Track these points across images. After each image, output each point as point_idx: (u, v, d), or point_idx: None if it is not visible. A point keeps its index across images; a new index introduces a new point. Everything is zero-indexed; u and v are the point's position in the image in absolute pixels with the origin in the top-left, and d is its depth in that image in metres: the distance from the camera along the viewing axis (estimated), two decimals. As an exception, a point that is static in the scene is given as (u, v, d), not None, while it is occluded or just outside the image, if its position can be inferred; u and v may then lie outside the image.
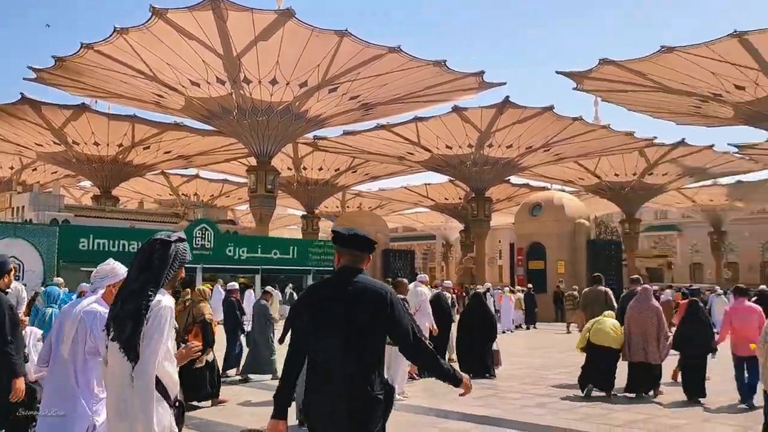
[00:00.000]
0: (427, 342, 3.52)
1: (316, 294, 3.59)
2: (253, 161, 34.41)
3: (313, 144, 39.75)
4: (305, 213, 49.62)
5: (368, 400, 3.30)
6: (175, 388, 3.32)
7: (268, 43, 26.02)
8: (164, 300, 3.27)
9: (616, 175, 42.96)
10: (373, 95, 31.17)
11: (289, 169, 43.97)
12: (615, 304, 13.02)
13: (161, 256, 3.33)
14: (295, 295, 28.52)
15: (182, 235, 3.50)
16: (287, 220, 67.07)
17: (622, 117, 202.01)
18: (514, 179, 46.59)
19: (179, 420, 3.41)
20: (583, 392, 10.48)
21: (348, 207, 59.27)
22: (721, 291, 25.78)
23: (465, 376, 3.60)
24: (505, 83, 32.05)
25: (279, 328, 13.95)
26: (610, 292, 13.38)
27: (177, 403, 3.37)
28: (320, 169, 45.33)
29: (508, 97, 31.30)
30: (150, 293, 3.22)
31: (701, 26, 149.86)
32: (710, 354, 10.61)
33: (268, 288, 13.35)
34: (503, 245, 60.34)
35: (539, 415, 8.87)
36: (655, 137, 36.23)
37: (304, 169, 45.29)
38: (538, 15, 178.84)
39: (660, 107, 32.53)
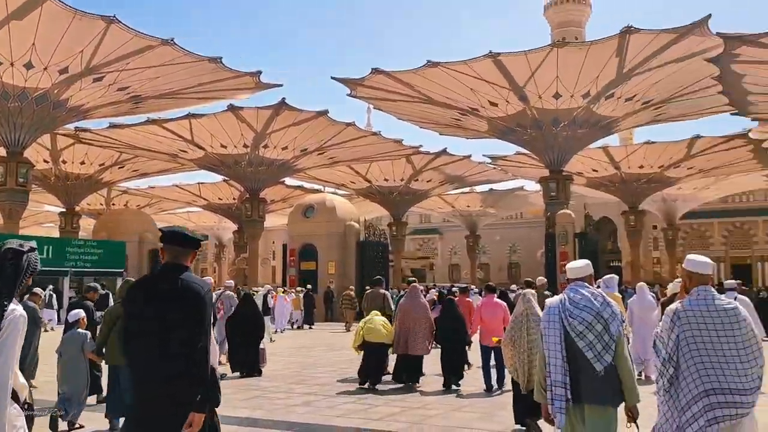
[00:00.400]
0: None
1: (132, 293, 3.67)
2: (2, 152, 30.99)
3: (74, 136, 36.76)
4: (64, 210, 45.73)
5: (187, 395, 3.32)
6: (24, 391, 3.37)
7: (23, 22, 23.60)
8: (18, 309, 3.25)
9: (386, 180, 45.09)
10: (143, 88, 29.61)
11: (45, 161, 40.26)
12: (392, 306, 13.86)
13: (14, 266, 3.28)
14: (54, 297, 26.27)
15: (33, 244, 3.43)
16: (43, 217, 61.42)
17: (392, 125, 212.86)
18: (289, 181, 46.90)
19: (29, 422, 3.52)
20: (365, 386, 11.16)
21: (114, 204, 55.65)
22: (477, 289, 28.21)
23: (203, 414, 3.48)
24: (281, 85, 32.10)
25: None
26: (389, 295, 14.11)
27: (26, 405, 3.44)
28: (82, 163, 42.01)
29: (284, 99, 31.46)
30: (4, 303, 3.18)
31: (462, 44, 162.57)
32: (467, 346, 11.87)
33: (36, 289, 12.22)
34: (277, 246, 60.57)
35: (302, 413, 9.03)
36: (421, 145, 38.61)
37: (64, 162, 41.67)
38: (318, 22, 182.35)
39: (426, 117, 34.72)
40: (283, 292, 27.70)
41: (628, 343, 9.41)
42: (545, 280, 16.60)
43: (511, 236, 64.23)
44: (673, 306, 4.46)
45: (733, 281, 14.38)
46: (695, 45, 24.91)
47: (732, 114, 31.13)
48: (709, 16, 23.46)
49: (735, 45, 23.66)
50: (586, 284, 4.67)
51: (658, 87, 28.49)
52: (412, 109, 33.54)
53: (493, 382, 10.88)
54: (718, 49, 24.19)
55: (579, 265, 4.80)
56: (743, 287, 22.45)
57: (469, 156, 41.06)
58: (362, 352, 11.57)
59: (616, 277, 11.80)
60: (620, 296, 11.69)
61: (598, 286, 9.51)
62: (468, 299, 14.69)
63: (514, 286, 21.27)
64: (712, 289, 4.43)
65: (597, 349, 4.37)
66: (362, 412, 9.12)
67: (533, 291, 9.28)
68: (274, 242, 65.88)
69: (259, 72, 29.68)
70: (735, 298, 10.28)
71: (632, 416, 4.49)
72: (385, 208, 48.63)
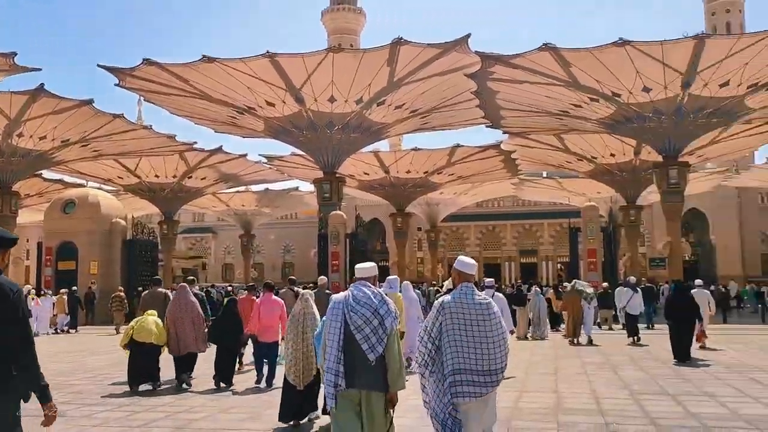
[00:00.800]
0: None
1: None
2: None
3: None
4: None
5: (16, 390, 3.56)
6: None
7: None
8: None
9: (157, 176, 43.01)
10: None
11: None
12: None
13: None
14: None
15: None
16: None
17: (166, 119, 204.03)
18: (47, 174, 42.97)
19: None
20: (131, 389, 10.84)
21: None
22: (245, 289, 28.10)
23: (54, 406, 3.80)
24: (40, 69, 29.16)
25: None
26: (170, 293, 13.70)
27: None
28: None
29: (43, 84, 28.77)
30: None
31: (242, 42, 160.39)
32: (243, 346, 12.11)
33: None
34: (31, 244, 55.34)
35: (54, 425, 8.40)
36: (196, 142, 37.40)
37: None
38: (89, 8, 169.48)
39: (201, 114, 33.70)
40: (38, 294, 25.47)
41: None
42: (326, 279, 17.24)
43: (285, 236, 64.78)
44: (441, 298, 5.35)
45: (491, 280, 16.15)
46: (457, 60, 26.98)
47: (487, 126, 34.25)
48: (469, 35, 25.56)
49: (490, 63, 26.08)
50: (369, 284, 5.25)
51: (424, 97, 30.41)
52: (187, 104, 32.43)
53: (264, 380, 11.13)
54: (477, 66, 26.51)
55: (366, 267, 5.43)
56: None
57: (245, 155, 40.70)
58: (130, 352, 11.17)
59: (398, 278, 12.61)
60: (401, 295, 12.42)
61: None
62: (253, 297, 14.78)
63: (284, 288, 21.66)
64: (473, 287, 5.33)
65: (372, 341, 4.92)
66: (122, 420, 8.69)
67: (311, 291, 9.59)
68: (28, 240, 60.04)
69: (14, 53, 26.88)
70: (492, 295, 12.05)
71: (392, 402, 5.01)
72: (155, 206, 46.46)
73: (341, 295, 5.25)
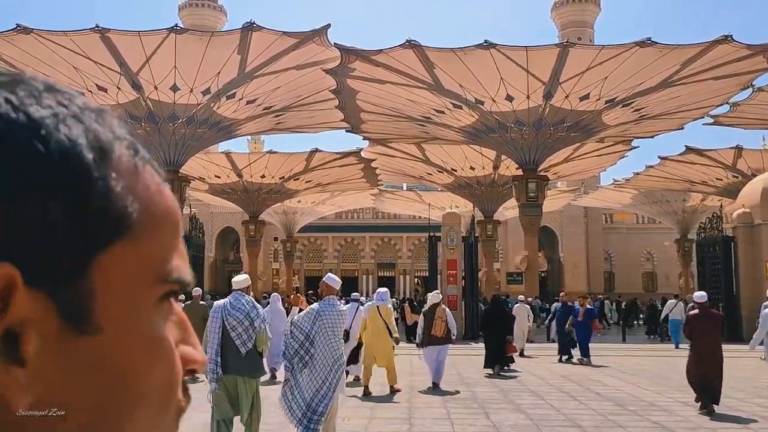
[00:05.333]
0: None
1: None
2: None
3: None
4: None
5: None
6: None
7: None
8: None
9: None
10: None
11: None
12: None
13: None
14: None
15: None
16: None
17: None
18: None
19: None
20: None
21: None
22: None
23: None
24: None
25: None
26: None
27: None
28: None
29: None
30: None
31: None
32: None
33: None
34: None
35: None
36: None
37: None
38: None
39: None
40: None
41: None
42: (200, 290, 15.81)
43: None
44: (314, 306, 7.25)
45: (357, 294, 15.44)
46: (315, 54, 24.91)
47: (347, 131, 32.40)
48: (328, 25, 23.59)
49: (350, 59, 24.25)
50: (244, 293, 6.81)
51: (279, 93, 28.05)
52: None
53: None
54: (337, 62, 24.59)
55: (241, 279, 6.99)
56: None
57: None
58: None
59: (387, 290, 12.38)
60: (389, 307, 12.34)
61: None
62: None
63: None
64: (335, 298, 7.30)
65: (243, 338, 6.55)
66: None
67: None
68: None
69: None
70: (357, 308, 12.64)
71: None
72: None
73: (221, 301, 6.84)
